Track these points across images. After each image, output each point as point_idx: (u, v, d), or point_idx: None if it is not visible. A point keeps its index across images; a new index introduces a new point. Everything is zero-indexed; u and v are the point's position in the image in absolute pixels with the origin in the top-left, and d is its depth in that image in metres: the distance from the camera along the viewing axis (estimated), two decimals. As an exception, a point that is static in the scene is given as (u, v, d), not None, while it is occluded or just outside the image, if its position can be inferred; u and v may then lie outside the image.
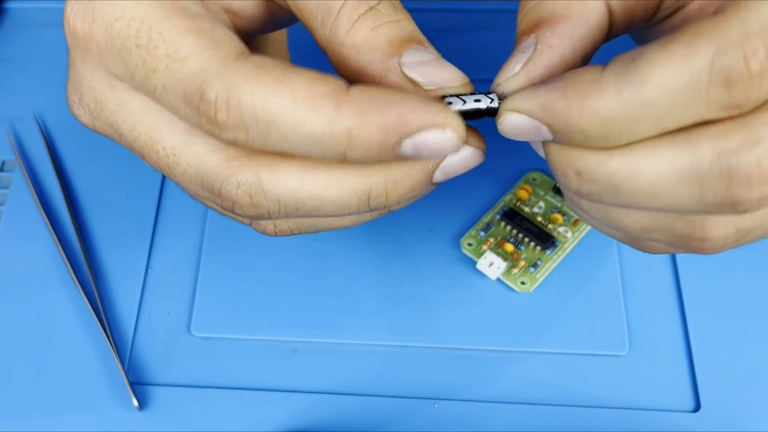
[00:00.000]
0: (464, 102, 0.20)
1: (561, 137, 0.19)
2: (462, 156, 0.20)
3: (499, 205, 0.32)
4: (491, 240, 0.31)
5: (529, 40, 0.20)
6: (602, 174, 0.19)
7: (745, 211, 0.18)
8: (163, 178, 0.34)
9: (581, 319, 0.30)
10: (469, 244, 0.32)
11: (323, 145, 0.19)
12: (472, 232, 0.32)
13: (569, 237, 0.31)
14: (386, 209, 0.21)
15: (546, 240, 0.31)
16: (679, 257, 0.31)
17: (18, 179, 0.35)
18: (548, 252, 0.31)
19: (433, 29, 0.38)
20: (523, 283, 0.31)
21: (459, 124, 0.19)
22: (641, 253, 0.27)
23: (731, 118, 0.17)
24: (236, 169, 0.20)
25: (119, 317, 0.31)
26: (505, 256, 0.31)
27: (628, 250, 0.32)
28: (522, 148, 0.30)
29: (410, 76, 0.20)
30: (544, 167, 0.33)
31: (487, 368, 0.29)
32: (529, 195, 0.33)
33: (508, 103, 0.20)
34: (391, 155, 0.19)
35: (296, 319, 0.31)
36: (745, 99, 0.17)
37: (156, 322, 0.31)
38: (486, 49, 0.37)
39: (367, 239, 0.32)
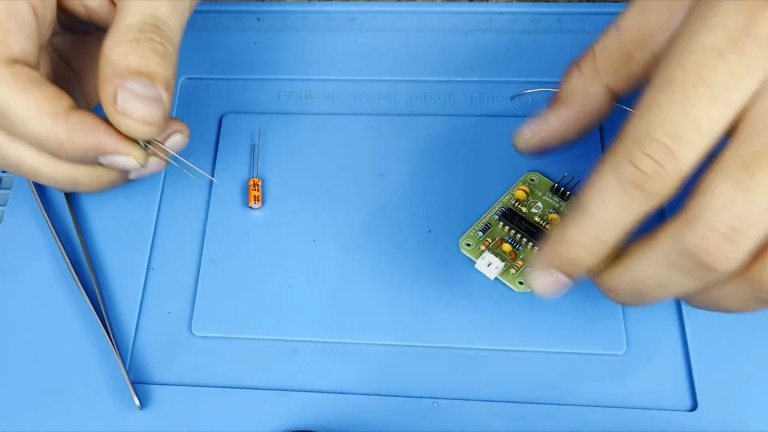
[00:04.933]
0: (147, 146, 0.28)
1: (568, 273, 0.25)
2: (147, 169, 0.29)
3: (498, 206, 0.33)
4: (489, 240, 0.32)
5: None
6: (615, 286, 0.25)
7: (727, 270, 0.21)
8: (164, 178, 0.34)
9: (579, 318, 0.30)
10: (468, 245, 0.32)
11: (42, 143, 0.27)
12: (471, 232, 0.32)
13: (567, 237, 0.32)
14: (100, 190, 0.30)
15: (544, 240, 0.31)
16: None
17: (19, 179, 0.35)
18: (546, 252, 0.31)
19: (432, 30, 0.39)
20: (521, 282, 0.31)
21: (141, 155, 0.27)
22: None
23: (674, 218, 0.22)
24: None
25: (120, 317, 0.31)
26: (503, 256, 0.31)
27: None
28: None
29: (118, 101, 0.26)
30: (542, 168, 0.34)
31: (486, 367, 0.30)
32: (527, 195, 0.33)
33: (533, 276, 0.26)
34: (93, 162, 0.28)
35: (296, 319, 0.31)
36: (662, 189, 0.21)
37: (157, 321, 0.31)
38: (483, 51, 0.37)
39: (367, 239, 0.33)
